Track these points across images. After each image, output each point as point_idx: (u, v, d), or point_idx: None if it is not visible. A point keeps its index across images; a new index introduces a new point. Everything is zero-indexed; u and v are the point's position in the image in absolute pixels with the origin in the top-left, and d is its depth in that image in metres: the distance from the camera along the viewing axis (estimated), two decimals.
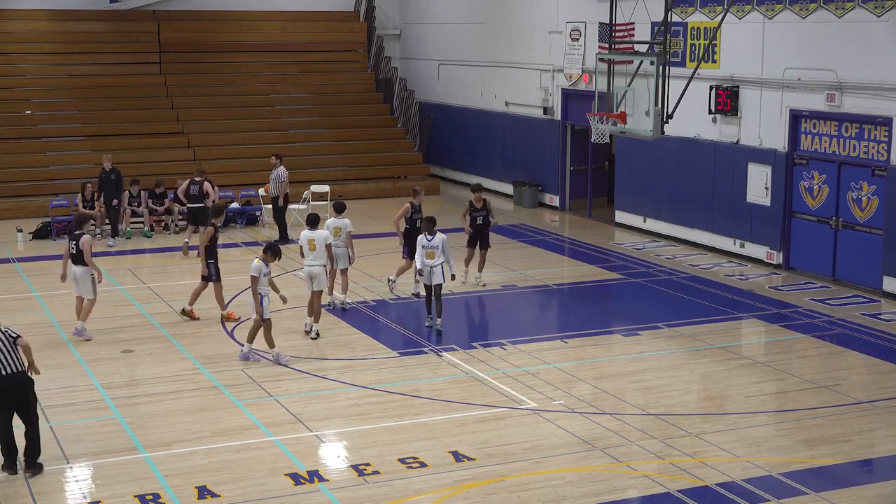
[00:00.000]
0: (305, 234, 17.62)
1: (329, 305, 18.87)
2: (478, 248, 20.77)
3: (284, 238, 24.18)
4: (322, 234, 17.65)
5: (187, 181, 23.92)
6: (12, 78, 31.91)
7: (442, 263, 17.68)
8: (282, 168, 24.71)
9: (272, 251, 16.28)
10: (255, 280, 15.96)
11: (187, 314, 18.47)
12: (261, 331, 16.18)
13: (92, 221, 24.77)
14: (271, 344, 16.16)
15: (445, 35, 34.30)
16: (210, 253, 18.26)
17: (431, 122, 35.03)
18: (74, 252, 17.27)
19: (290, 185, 25.02)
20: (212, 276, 18.33)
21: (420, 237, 17.82)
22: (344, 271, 18.97)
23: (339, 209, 18.90)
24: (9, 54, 32.18)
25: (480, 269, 20.77)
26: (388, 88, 35.87)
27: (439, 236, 17.64)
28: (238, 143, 31.49)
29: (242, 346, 16.47)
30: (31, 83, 32.08)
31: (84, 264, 17.23)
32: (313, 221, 17.90)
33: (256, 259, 16.12)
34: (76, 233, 17.45)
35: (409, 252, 19.51)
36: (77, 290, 17.50)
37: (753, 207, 22.67)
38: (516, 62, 30.68)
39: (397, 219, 19.93)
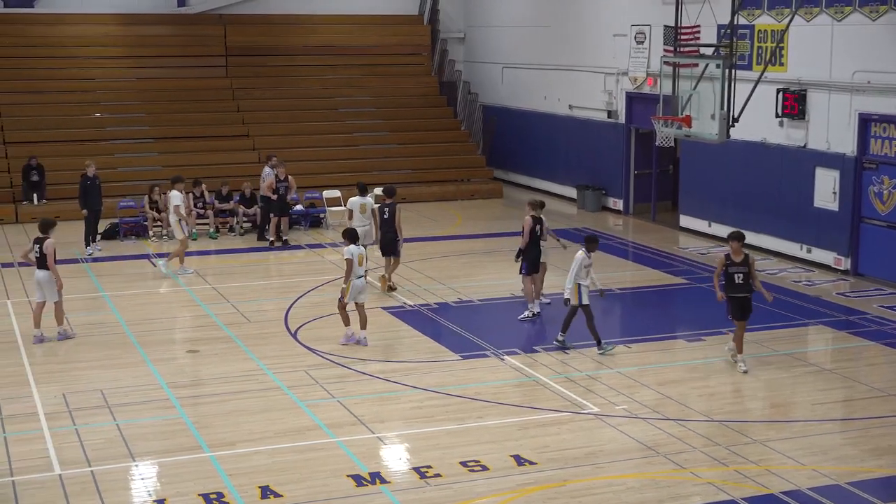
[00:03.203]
0: (356, 199, 20.73)
1: None
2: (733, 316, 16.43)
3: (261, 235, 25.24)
4: (370, 200, 21.00)
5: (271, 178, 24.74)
6: (82, 81, 32.44)
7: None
8: (268, 169, 25.09)
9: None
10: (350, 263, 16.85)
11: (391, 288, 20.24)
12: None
13: (158, 221, 25.24)
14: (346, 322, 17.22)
15: (509, 38, 34.27)
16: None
17: (495, 126, 34.99)
18: (38, 256, 17.15)
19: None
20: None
21: (580, 255, 16.57)
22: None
23: (363, 190, 21.18)
24: (79, 58, 32.70)
25: (740, 350, 16.17)
26: (452, 92, 35.91)
27: (595, 254, 16.88)
28: (302, 145, 31.71)
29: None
30: (100, 86, 32.59)
31: (47, 269, 17.09)
32: (363, 189, 20.98)
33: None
34: (41, 237, 17.17)
35: (528, 268, 18.68)
36: (41, 295, 17.29)
37: (821, 212, 22.37)
38: (580, 65, 30.56)
39: (526, 236, 18.54)
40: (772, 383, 15.45)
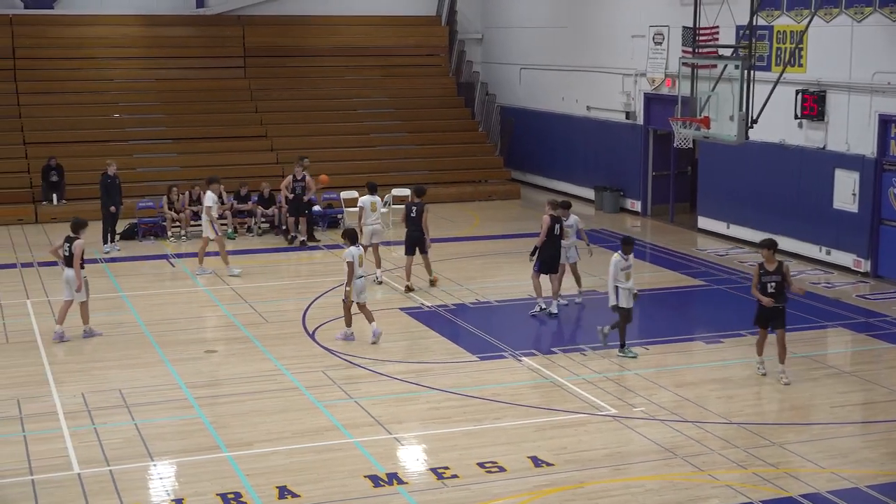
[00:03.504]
0: (366, 198, 21.21)
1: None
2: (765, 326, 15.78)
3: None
4: (379, 199, 21.64)
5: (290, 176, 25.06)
6: (101, 82, 32.58)
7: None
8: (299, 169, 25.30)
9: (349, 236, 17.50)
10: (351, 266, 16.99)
11: (433, 282, 20.75)
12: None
13: (176, 222, 25.30)
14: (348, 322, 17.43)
15: (527, 39, 34.24)
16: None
17: (512, 127, 34.97)
18: (66, 255, 17.33)
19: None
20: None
21: (615, 258, 16.48)
22: (376, 247, 21.20)
23: (373, 189, 21.65)
24: (98, 59, 32.84)
25: (783, 360, 15.51)
26: (470, 92, 35.90)
27: (631, 256, 16.64)
28: (320, 146, 31.74)
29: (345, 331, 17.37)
30: (119, 87, 32.72)
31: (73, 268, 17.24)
32: (374, 188, 21.59)
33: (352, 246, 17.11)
34: (71, 236, 17.35)
35: (540, 267, 18.83)
36: (68, 293, 17.44)
37: (840, 214, 22.27)
38: (598, 66, 30.52)
39: (543, 234, 18.66)
40: (790, 385, 15.37)
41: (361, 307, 17.30)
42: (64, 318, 17.43)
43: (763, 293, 15.21)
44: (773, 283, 15.17)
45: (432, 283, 20.85)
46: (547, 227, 18.57)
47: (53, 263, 22.44)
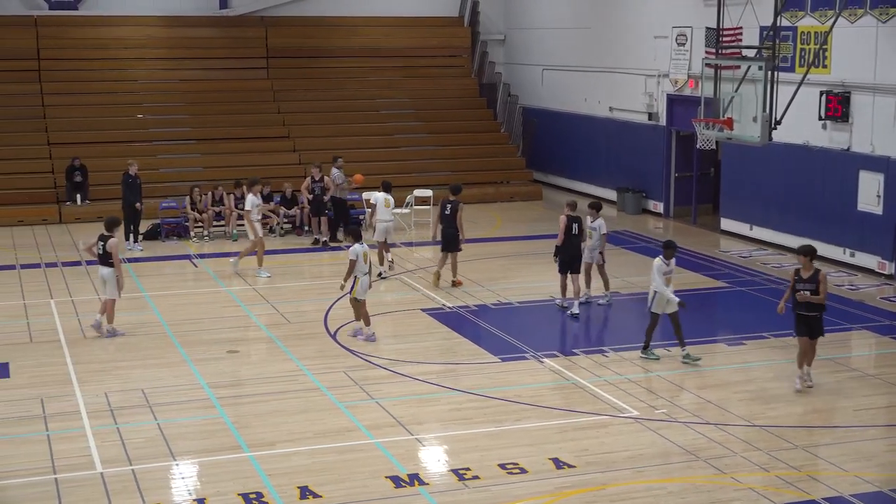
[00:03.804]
0: (380, 195, 21.68)
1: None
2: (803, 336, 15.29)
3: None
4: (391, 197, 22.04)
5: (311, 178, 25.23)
6: (125, 83, 32.74)
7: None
8: (335, 170, 25.42)
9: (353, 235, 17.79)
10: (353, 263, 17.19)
11: (455, 284, 20.89)
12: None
13: (199, 222, 25.39)
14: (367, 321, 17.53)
15: (550, 40, 34.20)
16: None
17: (535, 128, 34.93)
18: (101, 253, 17.59)
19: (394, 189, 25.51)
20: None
21: (656, 262, 16.29)
22: (385, 244, 21.69)
23: (387, 188, 22.04)
24: (122, 59, 33.02)
25: (810, 363, 15.39)
26: (492, 93, 35.87)
27: (672, 261, 16.45)
28: (342, 147, 31.71)
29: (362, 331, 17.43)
30: (142, 88, 32.88)
31: (110, 266, 17.51)
32: (388, 187, 22.03)
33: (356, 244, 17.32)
34: (105, 234, 17.62)
35: (560, 265, 19.04)
36: (103, 291, 17.79)
37: (865, 216, 22.14)
38: (621, 67, 30.46)
39: (561, 234, 18.93)
40: (814, 388, 15.29)
41: (362, 305, 17.59)
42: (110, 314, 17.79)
43: (796, 301, 14.93)
44: (808, 292, 14.84)
45: (454, 284, 20.89)
46: (564, 228, 18.75)
47: (77, 263, 22.70)
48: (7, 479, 12.07)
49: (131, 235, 24.62)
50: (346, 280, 17.39)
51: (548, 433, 13.49)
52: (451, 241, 20.70)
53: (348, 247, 17.79)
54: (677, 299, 16.26)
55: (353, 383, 15.37)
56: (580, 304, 19.13)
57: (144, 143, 30.94)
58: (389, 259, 21.97)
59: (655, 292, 16.27)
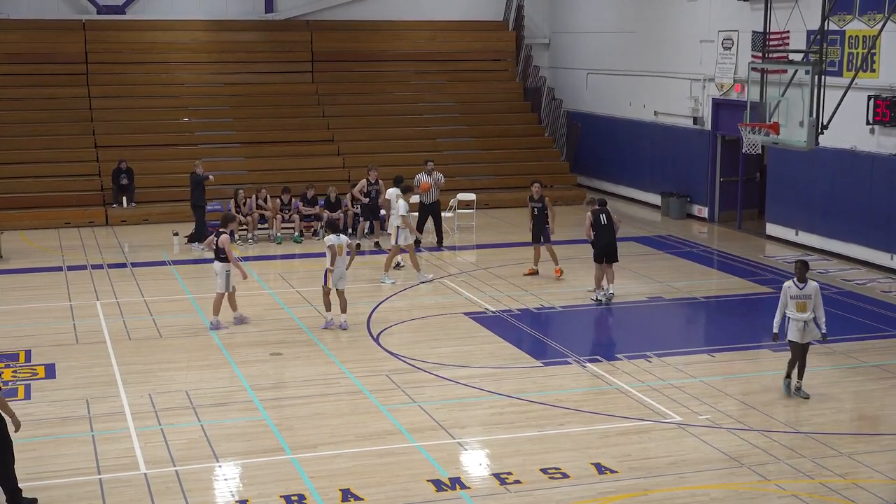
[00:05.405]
0: (393, 190, 22.27)
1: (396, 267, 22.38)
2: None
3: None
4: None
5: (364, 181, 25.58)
6: (171, 86, 33.03)
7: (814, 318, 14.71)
8: (421, 175, 25.51)
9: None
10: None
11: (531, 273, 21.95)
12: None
13: (243, 225, 25.54)
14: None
15: (594, 44, 34.11)
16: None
17: (579, 132, 34.84)
18: (215, 248, 18.40)
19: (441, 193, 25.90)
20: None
21: (787, 285, 14.83)
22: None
23: (399, 183, 22.46)
24: (168, 63, 33.31)
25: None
26: (536, 97, 35.82)
27: (812, 284, 14.74)
28: (386, 150, 31.89)
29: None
30: (188, 91, 33.15)
31: (222, 261, 18.24)
32: (401, 182, 22.55)
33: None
34: (220, 231, 18.49)
35: (595, 255, 19.96)
36: (219, 285, 18.48)
37: None
38: (666, 71, 30.31)
39: (588, 229, 20.02)
40: (860, 395, 15.14)
41: (339, 294, 18.29)
42: (219, 308, 18.45)
43: None
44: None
45: (558, 273, 21.88)
46: (590, 222, 19.79)
47: (123, 265, 22.92)
48: (52, 480, 12.19)
49: (196, 236, 24.99)
50: (332, 265, 18.04)
51: (590, 438, 13.44)
52: (539, 233, 21.92)
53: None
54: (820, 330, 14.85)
55: (396, 386, 15.39)
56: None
57: (190, 147, 31.15)
58: (399, 260, 22.55)
59: (788, 318, 14.79)
